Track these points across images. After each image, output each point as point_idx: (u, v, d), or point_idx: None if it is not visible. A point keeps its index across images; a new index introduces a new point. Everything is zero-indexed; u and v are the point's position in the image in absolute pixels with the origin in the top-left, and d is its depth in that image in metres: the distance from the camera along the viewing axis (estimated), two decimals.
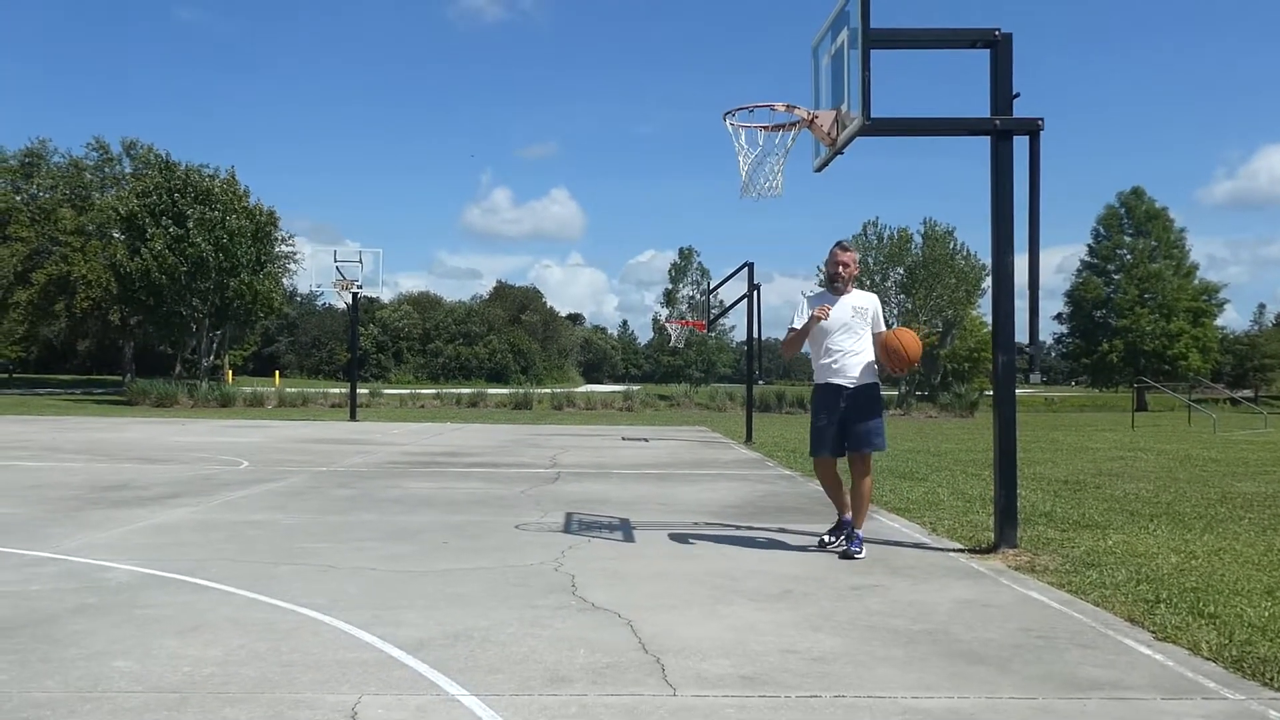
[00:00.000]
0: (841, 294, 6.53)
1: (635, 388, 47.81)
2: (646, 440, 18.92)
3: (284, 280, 48.41)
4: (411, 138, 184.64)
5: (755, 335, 20.20)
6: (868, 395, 6.43)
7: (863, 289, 6.77)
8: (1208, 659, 3.99)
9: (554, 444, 17.59)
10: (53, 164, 50.02)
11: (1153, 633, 4.41)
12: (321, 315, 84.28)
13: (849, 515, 6.53)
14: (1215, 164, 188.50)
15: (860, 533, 6.40)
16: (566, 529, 7.39)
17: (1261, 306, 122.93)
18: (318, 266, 29.83)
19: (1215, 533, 7.34)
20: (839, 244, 6.59)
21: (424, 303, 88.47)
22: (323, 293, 32.87)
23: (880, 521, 7.98)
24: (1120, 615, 4.73)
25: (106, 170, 50.60)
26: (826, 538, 6.63)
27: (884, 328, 6.57)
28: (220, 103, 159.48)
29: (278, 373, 59.34)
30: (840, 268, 6.54)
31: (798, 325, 6.53)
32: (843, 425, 6.39)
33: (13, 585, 5.14)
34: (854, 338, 6.44)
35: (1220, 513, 8.54)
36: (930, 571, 5.86)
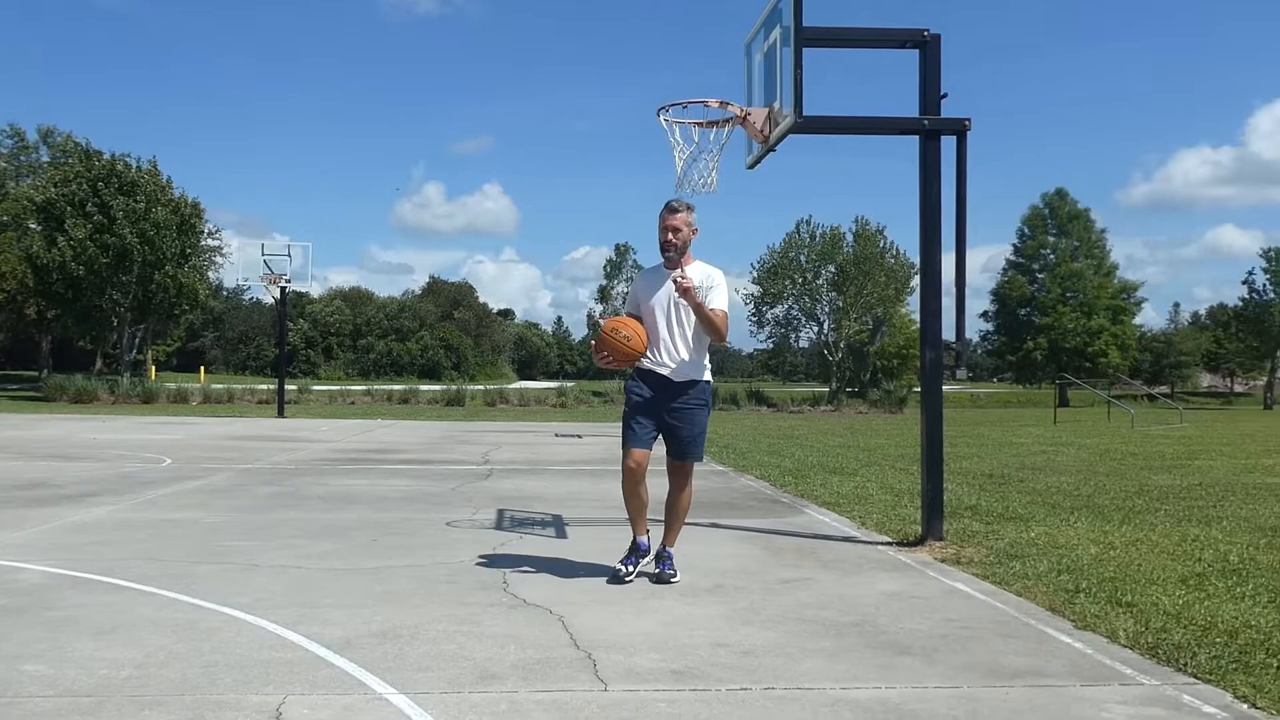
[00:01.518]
0: (674, 267, 5.28)
1: (569, 384, 47.74)
2: (580, 437, 18.89)
3: (210, 274, 47.28)
4: (342, 131, 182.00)
5: None
6: (695, 395, 5.36)
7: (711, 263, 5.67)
8: (1125, 646, 4.10)
9: (486, 440, 17.46)
10: None
11: (1072, 621, 4.51)
12: (249, 310, 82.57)
13: (644, 538, 5.46)
14: (1133, 167, 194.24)
15: (672, 551, 5.44)
16: (499, 526, 7.34)
17: (1176, 305, 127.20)
18: (245, 260, 29.22)
19: (1133, 524, 7.55)
20: (668, 204, 5.34)
21: (355, 298, 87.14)
22: (250, 287, 32.15)
23: (810, 515, 8.06)
24: (1042, 605, 4.84)
25: (22, 159, 48.92)
26: (620, 567, 5.36)
27: (721, 306, 5.28)
28: (143, 93, 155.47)
29: (203, 368, 57.94)
30: (670, 234, 5.27)
31: (626, 309, 5.56)
32: (665, 423, 5.34)
33: None
34: (680, 322, 5.28)
35: (1138, 505, 8.79)
36: (859, 564, 5.94)
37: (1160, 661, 3.88)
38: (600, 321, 5.41)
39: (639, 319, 5.36)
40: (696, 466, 5.55)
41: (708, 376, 5.42)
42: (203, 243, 43.33)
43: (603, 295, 75.84)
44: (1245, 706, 3.36)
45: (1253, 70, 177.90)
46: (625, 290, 78.94)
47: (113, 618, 4.36)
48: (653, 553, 5.49)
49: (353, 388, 43.22)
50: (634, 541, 5.48)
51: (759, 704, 3.36)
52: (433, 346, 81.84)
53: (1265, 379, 67.96)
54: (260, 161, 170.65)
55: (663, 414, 5.31)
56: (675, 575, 5.33)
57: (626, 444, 5.33)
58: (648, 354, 5.27)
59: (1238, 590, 5.12)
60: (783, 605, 4.84)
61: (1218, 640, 4.12)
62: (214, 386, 38.05)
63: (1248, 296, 66.97)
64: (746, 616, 4.60)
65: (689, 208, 5.38)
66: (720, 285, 5.29)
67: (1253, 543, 6.69)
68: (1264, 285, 65.53)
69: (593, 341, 5.30)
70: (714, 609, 4.73)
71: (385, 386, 43.22)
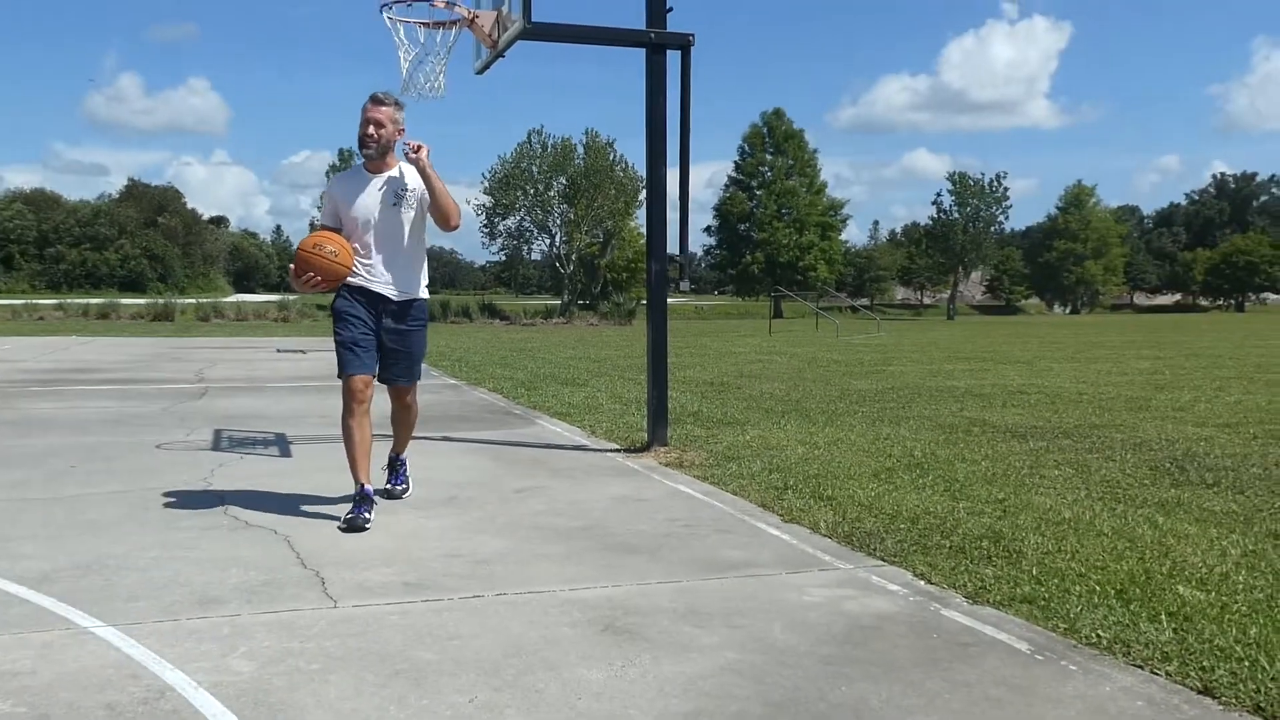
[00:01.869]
0: (381, 172, 4.74)
1: (291, 297, 45.41)
2: (304, 352, 18.11)
3: None
4: (10, 6, 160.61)
5: None
6: (415, 314, 4.86)
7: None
8: (825, 535, 4.50)
9: (200, 357, 16.39)
10: None
11: (781, 516, 4.90)
12: None
13: (369, 486, 4.71)
14: (842, 91, 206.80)
15: (406, 459, 5.24)
16: (216, 446, 6.96)
17: (876, 223, 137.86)
18: None
19: (835, 425, 8.24)
20: (372, 95, 4.69)
21: (39, 201, 78.18)
22: None
23: (543, 426, 8.21)
24: (755, 502, 5.21)
25: None
26: (357, 516, 4.56)
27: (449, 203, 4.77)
28: None
29: None
30: (371, 127, 4.64)
31: (324, 221, 4.88)
32: (383, 351, 4.82)
33: None
34: (395, 232, 4.72)
35: (840, 408, 9.58)
36: (589, 471, 6.13)
37: (854, 548, 4.29)
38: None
39: (338, 231, 4.71)
40: (426, 381, 5.59)
41: (426, 293, 4.93)
42: None
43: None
44: (923, 583, 3.79)
45: (948, 2, 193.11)
46: None
47: None
48: (385, 459, 5.19)
49: (41, 301, 39.06)
50: (361, 491, 4.66)
51: (491, 610, 3.43)
52: (135, 256, 75.15)
53: (949, 292, 75.53)
54: None
55: (381, 335, 4.76)
56: (408, 488, 5.19)
57: (346, 369, 4.70)
58: (358, 268, 4.69)
59: (920, 482, 5.73)
60: (515, 514, 4.93)
61: (902, 527, 4.61)
62: None
63: (936, 216, 73.75)
64: (480, 526, 4.65)
65: (397, 104, 4.74)
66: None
67: (934, 439, 7.48)
68: (950, 206, 72.37)
69: (290, 265, 4.57)
70: (447, 521, 4.75)
71: (81, 300, 39.33)
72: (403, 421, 5.17)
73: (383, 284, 4.74)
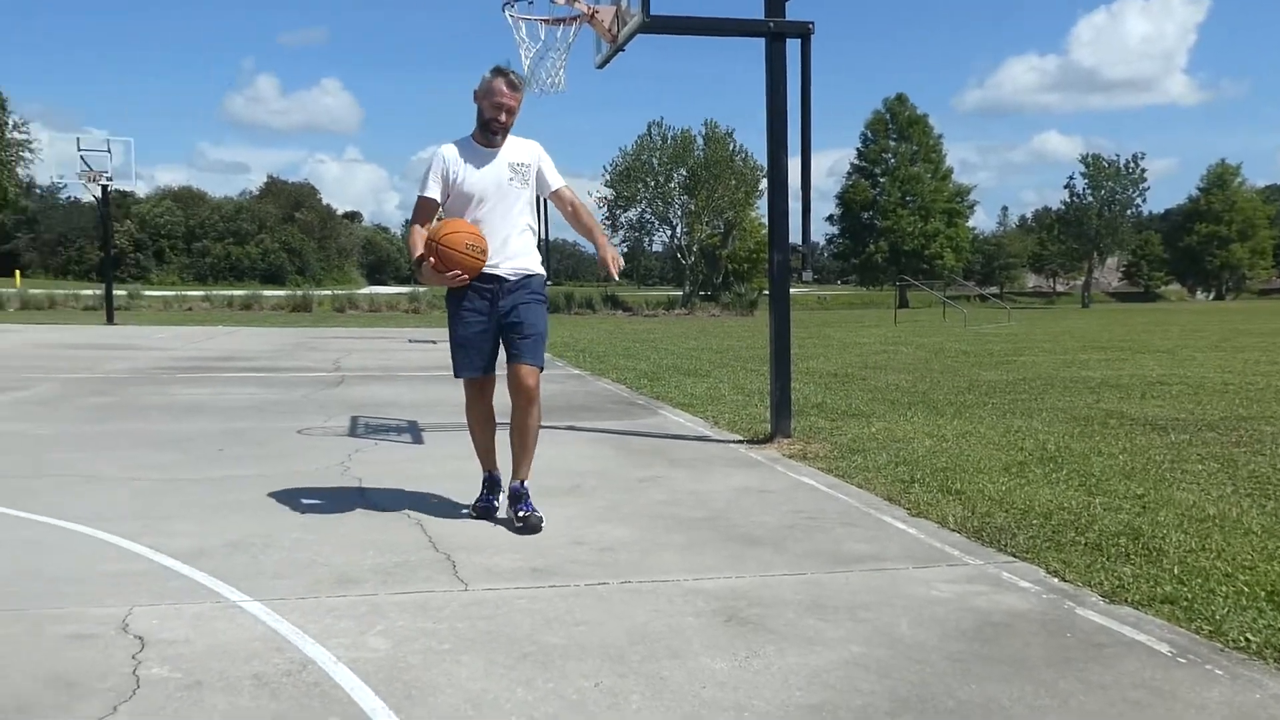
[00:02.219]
0: (495, 146, 4.49)
1: (421, 289, 46.75)
2: (434, 342, 18.62)
3: (19, 170, 43.80)
4: (160, 15, 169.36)
5: (543, 236, 20.09)
6: (531, 290, 4.53)
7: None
8: (953, 530, 4.41)
9: (336, 347, 17.04)
10: None
11: (907, 509, 4.81)
12: (67, 210, 77.01)
13: (497, 471, 4.75)
14: (967, 74, 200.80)
15: (528, 485, 4.55)
16: (353, 432, 7.23)
17: (1005, 209, 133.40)
18: (58, 156, 27.15)
19: (963, 418, 8.04)
20: (505, 76, 4.45)
21: (187, 198, 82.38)
22: (65, 185, 30.04)
23: (665, 416, 8.25)
24: (880, 495, 5.13)
25: None
26: (490, 504, 4.68)
27: (559, 182, 4.64)
28: None
29: (18, 272, 54.08)
30: (503, 114, 4.42)
31: (430, 193, 4.48)
32: (502, 332, 4.51)
33: None
34: (512, 209, 4.49)
35: (968, 399, 9.34)
36: (711, 462, 6.14)
37: (984, 543, 4.19)
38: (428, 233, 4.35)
39: (437, 204, 4.50)
40: (550, 371, 5.41)
41: (542, 270, 4.66)
42: (8, 136, 40.06)
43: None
44: (1056, 580, 3.68)
45: None
46: None
47: None
48: (505, 491, 4.68)
49: (190, 293, 41.22)
50: (489, 476, 4.75)
51: (616, 597, 3.48)
52: (274, 250, 78.53)
53: (1083, 279, 72.62)
54: (68, 50, 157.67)
55: (498, 321, 4.47)
56: (539, 515, 4.43)
57: (460, 371, 4.58)
58: None
59: (1053, 476, 5.55)
60: (638, 503, 4.98)
61: (1034, 522, 4.47)
62: (32, 291, 35.63)
63: (1069, 200, 70.82)
64: (603, 515, 4.71)
65: (523, 81, 4.63)
66: (544, 157, 4.62)
67: (1068, 432, 7.22)
68: (1083, 190, 69.41)
69: (430, 260, 4.27)
70: (571, 509, 4.82)
71: (225, 292, 41.37)
72: (523, 429, 4.52)
73: (502, 266, 4.43)
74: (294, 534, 4.26)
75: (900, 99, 62.62)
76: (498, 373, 4.61)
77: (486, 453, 4.77)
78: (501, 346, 4.53)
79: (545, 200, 4.74)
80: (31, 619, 3.14)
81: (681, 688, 2.69)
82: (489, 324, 4.48)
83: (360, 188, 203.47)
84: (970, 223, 65.60)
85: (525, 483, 4.55)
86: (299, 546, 4.06)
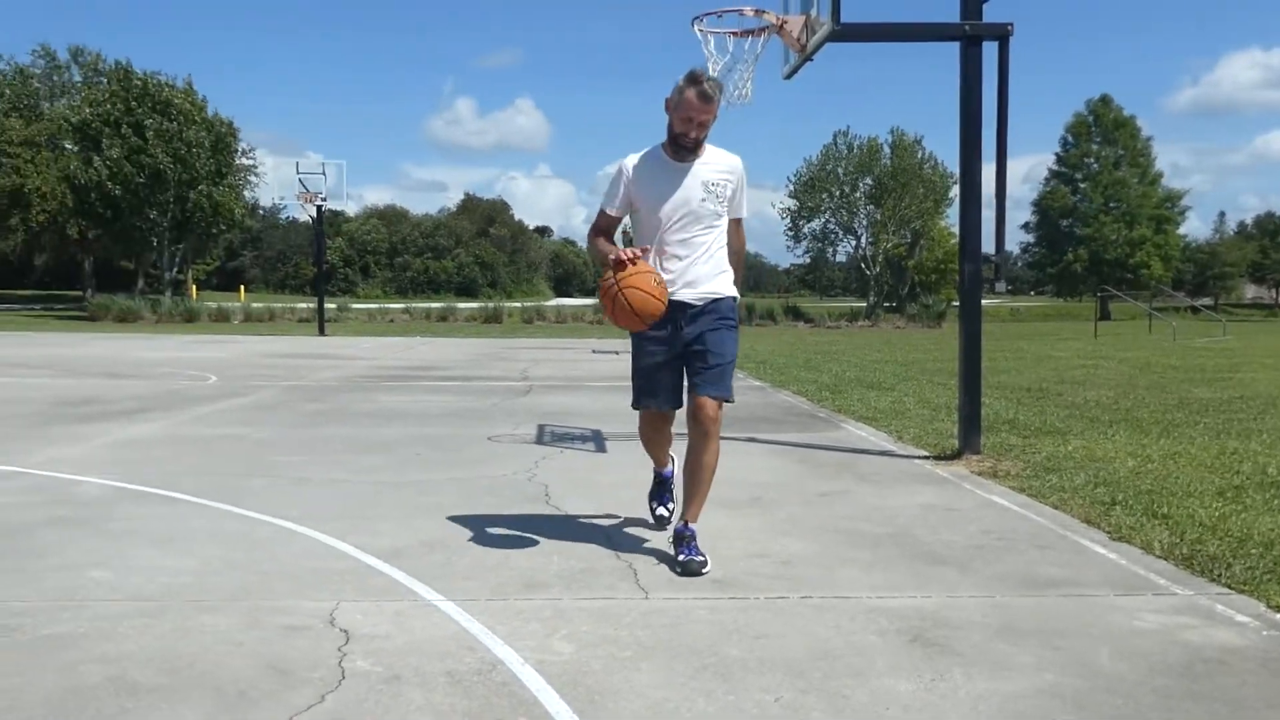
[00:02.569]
0: (687, 161, 4.05)
1: None
2: (617, 353, 18.97)
3: (245, 193, 47.48)
4: (371, 47, 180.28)
5: None
6: (720, 314, 4.07)
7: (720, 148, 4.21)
8: (1160, 557, 4.13)
9: (525, 357, 17.61)
10: None
11: (1108, 533, 4.55)
12: (286, 229, 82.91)
13: (670, 468, 4.64)
14: (1180, 72, 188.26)
15: (695, 528, 4.04)
16: (539, 440, 7.46)
17: (1222, 215, 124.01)
18: (280, 179, 29.59)
19: (1171, 437, 7.53)
20: (699, 86, 3.95)
21: (391, 216, 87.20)
22: (286, 205, 32.47)
23: (848, 430, 8.11)
24: (1078, 517, 4.87)
25: (55, 79, 49.00)
26: (663, 510, 4.65)
27: (741, 212, 4.24)
28: (172, 11, 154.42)
29: (243, 287, 58.56)
30: (692, 130, 3.96)
31: (612, 211, 4.14)
32: (685, 361, 4.10)
33: None
34: (704, 229, 4.06)
35: (1177, 418, 8.75)
36: (896, 477, 5.99)
37: (1195, 572, 3.91)
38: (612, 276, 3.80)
39: (616, 221, 4.18)
40: (735, 384, 4.43)
41: (734, 290, 4.19)
42: (237, 161, 43.48)
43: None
44: (1278, 615, 3.39)
45: None
46: None
47: (170, 528, 4.53)
48: (671, 528, 4.28)
49: (391, 306, 43.58)
50: (659, 474, 4.67)
51: (796, 611, 3.44)
52: (468, 264, 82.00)
53: None
54: (290, 81, 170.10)
55: (682, 348, 4.07)
56: (706, 562, 3.93)
57: (639, 403, 4.27)
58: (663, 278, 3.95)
59: (1275, 503, 5.12)
60: (820, 517, 4.91)
61: (1253, 551, 4.14)
62: (254, 305, 38.52)
63: None
64: (784, 528, 4.68)
65: (721, 90, 4.12)
66: (743, 180, 4.18)
67: None
68: None
69: (622, 301, 3.78)
70: (752, 521, 4.81)
71: (423, 304, 43.52)
72: (698, 466, 4.05)
73: (684, 289, 4.02)
74: (484, 537, 4.43)
75: (1104, 100, 59.30)
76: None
77: (660, 454, 4.59)
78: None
79: None
80: (250, 609, 3.40)
81: (864, 708, 2.64)
82: (671, 354, 4.09)
83: (549, 203, 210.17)
84: (1181, 229, 61.42)
85: (692, 525, 4.06)
86: (489, 549, 4.22)
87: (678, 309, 4.01)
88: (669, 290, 3.91)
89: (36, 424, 8.09)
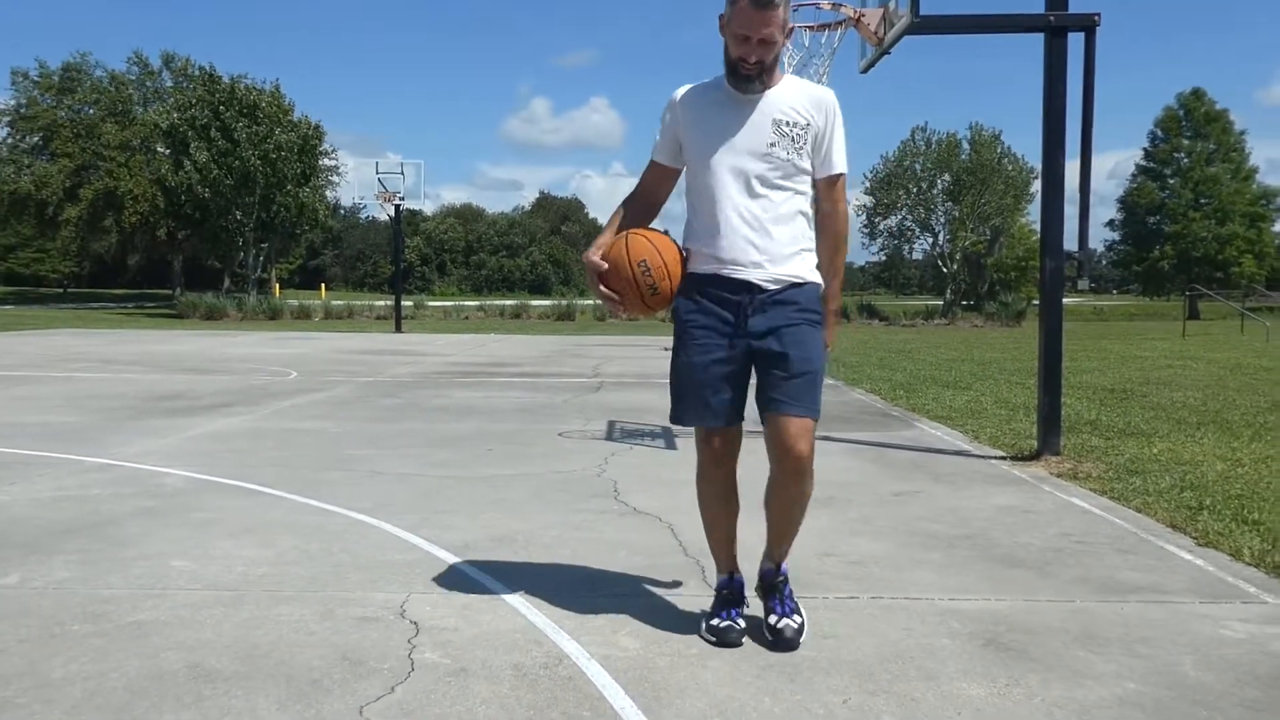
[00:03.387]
0: (753, 92, 3.01)
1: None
2: None
3: (327, 193, 48.57)
4: (449, 48, 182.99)
5: None
6: (801, 306, 3.03)
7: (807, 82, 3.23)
8: (1249, 564, 3.98)
9: (596, 354, 17.69)
10: (94, 78, 50.08)
11: (1194, 539, 4.39)
12: (365, 228, 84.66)
13: (740, 573, 3.26)
14: (1277, 62, 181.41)
15: (787, 569, 3.22)
16: (609, 436, 7.47)
17: None
18: (360, 179, 29.99)
19: (1264, 440, 7.25)
20: None
21: (466, 214, 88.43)
22: (365, 205, 32.96)
23: (922, 429, 7.98)
24: (1162, 521, 4.72)
25: (148, 84, 50.62)
26: (727, 624, 3.10)
27: (840, 166, 3.09)
28: (258, 16, 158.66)
29: (323, 285, 59.94)
30: (751, 52, 2.93)
31: (658, 157, 3.16)
32: (752, 364, 3.05)
33: (73, 490, 5.32)
34: (776, 185, 3.02)
35: (1270, 421, 8.42)
36: (971, 478, 5.87)
37: None
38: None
39: (664, 170, 3.15)
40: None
41: (817, 275, 3.11)
42: (321, 163, 44.46)
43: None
44: None
45: None
46: None
47: (249, 520, 4.64)
48: (757, 573, 3.26)
49: (466, 303, 44.14)
50: (728, 580, 3.22)
51: (866, 612, 3.39)
52: (541, 262, 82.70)
53: None
54: (371, 82, 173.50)
55: (747, 348, 3.00)
56: (802, 622, 3.10)
57: (691, 416, 3.07)
58: (709, 245, 3.02)
59: None
60: (893, 517, 4.83)
61: None
62: (334, 303, 39.36)
63: None
64: (856, 528, 4.61)
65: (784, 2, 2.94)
66: (836, 121, 3.07)
67: None
68: None
69: (591, 257, 3.10)
70: (823, 520, 4.75)
71: (497, 302, 44.00)
72: (787, 502, 3.08)
73: (748, 266, 2.98)
74: (553, 531, 4.45)
75: (1197, 94, 57.30)
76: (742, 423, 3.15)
77: (723, 543, 3.24)
78: (753, 388, 3.07)
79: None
80: (324, 600, 3.46)
81: (934, 711, 2.59)
82: (732, 351, 3.00)
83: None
84: (1277, 227, 59.08)
85: (785, 565, 3.21)
86: (557, 543, 4.24)
87: (743, 291, 2.98)
88: (734, 269, 2.97)
89: (128, 418, 8.36)
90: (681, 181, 3.19)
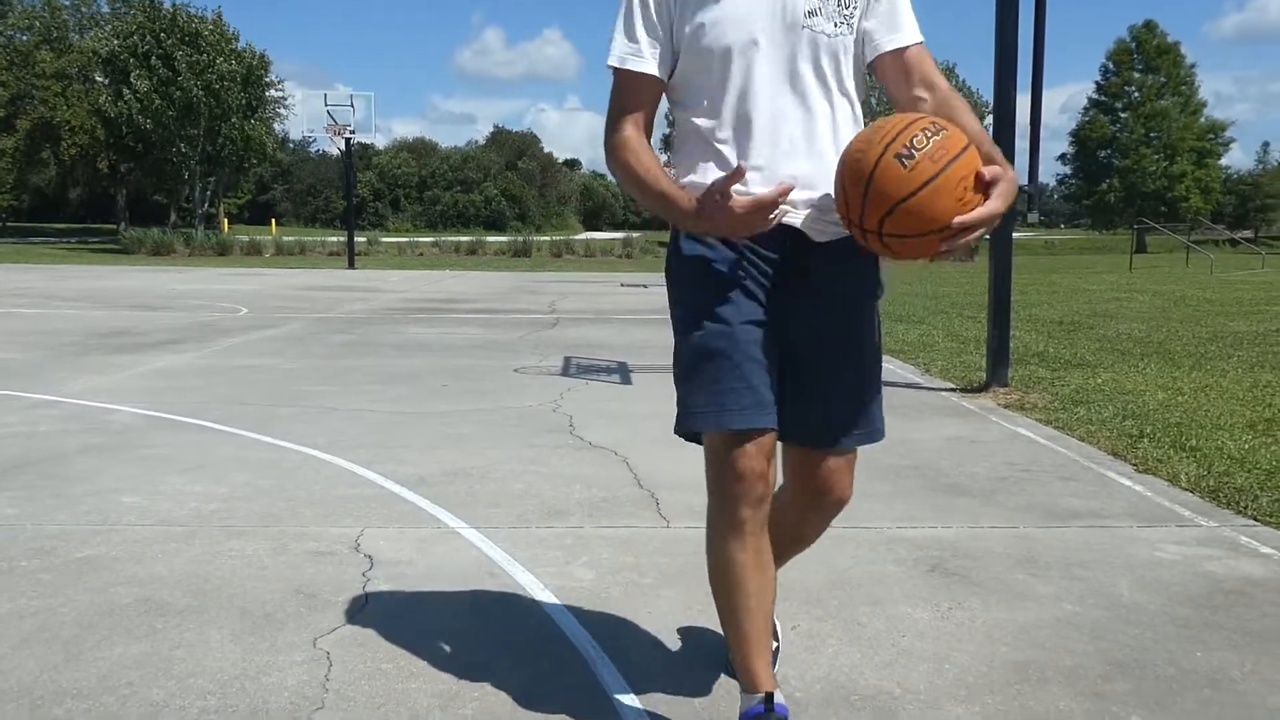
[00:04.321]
0: None
1: (635, 235, 47.42)
2: (645, 286, 18.93)
3: (275, 126, 47.46)
4: None
5: None
6: (859, 274, 2.04)
7: None
8: (1185, 489, 4.10)
9: (553, 290, 17.61)
10: (26, 3, 48.18)
11: (1134, 465, 4.52)
12: (316, 162, 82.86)
13: (778, 695, 2.03)
14: None
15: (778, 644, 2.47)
16: (565, 372, 7.48)
17: (1265, 145, 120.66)
18: (308, 112, 29.26)
19: (1203, 370, 7.43)
20: None
21: (419, 149, 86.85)
22: (315, 139, 32.38)
23: None
24: (1104, 449, 4.84)
25: (84, 10, 48.85)
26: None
27: (912, 36, 1.97)
28: None
29: (274, 221, 58.82)
30: None
31: (638, 65, 2.00)
32: (791, 343, 2.01)
33: (18, 426, 5.23)
34: (814, 81, 1.94)
35: (1210, 351, 8.63)
36: (921, 410, 5.96)
37: (1221, 505, 3.88)
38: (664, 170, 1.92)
39: (655, 82, 2.02)
40: None
41: None
42: (267, 94, 43.35)
43: (666, 144, 74.68)
44: None
45: None
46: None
47: (200, 456, 4.60)
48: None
49: (421, 239, 43.60)
50: (764, 712, 1.99)
51: (817, 543, 3.45)
52: (496, 198, 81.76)
53: None
54: (317, 11, 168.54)
55: (783, 325, 2.01)
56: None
57: (722, 416, 1.97)
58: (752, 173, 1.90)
59: None
60: None
61: None
62: (285, 239, 38.67)
63: None
64: None
65: None
66: None
67: None
68: None
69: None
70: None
71: (452, 238, 43.50)
72: (805, 537, 2.41)
73: (801, 207, 1.95)
74: (508, 466, 4.47)
75: (1149, 26, 57.49)
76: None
77: (758, 640, 2.07)
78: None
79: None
80: (277, 535, 3.45)
81: (879, 635, 2.66)
82: (766, 318, 1.98)
83: (579, 135, 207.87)
84: (1224, 161, 59.88)
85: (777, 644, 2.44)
86: (512, 478, 4.26)
87: (782, 241, 1.95)
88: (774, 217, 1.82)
89: (72, 354, 8.21)
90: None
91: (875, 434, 2.14)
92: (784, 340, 2.00)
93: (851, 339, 2.04)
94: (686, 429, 2.08)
